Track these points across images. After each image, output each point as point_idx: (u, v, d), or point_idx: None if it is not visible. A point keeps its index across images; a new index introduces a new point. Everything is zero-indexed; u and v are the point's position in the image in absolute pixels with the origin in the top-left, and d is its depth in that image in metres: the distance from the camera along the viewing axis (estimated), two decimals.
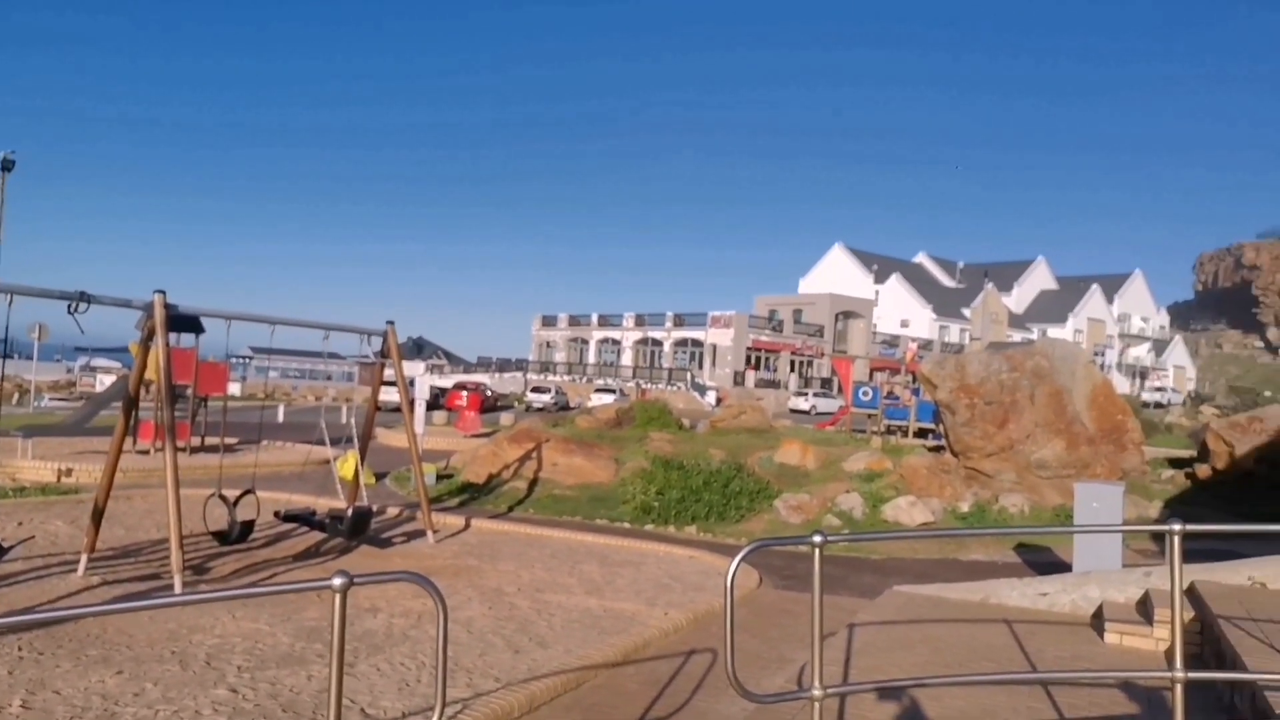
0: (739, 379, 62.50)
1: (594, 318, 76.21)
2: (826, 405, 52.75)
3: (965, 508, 15.88)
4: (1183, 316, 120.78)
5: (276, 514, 12.07)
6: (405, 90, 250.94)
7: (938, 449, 21.24)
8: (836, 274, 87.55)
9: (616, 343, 73.91)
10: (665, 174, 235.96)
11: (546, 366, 71.46)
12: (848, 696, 5.70)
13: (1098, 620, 8.03)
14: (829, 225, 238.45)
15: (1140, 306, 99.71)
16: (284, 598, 8.72)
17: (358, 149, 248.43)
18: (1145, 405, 62.07)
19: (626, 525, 15.39)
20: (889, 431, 30.84)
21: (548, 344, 79.28)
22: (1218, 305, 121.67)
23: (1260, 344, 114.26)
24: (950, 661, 6.81)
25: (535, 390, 53.78)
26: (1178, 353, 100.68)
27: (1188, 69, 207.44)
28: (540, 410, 45.20)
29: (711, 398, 53.51)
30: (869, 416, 33.01)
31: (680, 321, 69.48)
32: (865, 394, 34.67)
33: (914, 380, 35.65)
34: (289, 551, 11.41)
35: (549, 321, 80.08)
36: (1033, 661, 6.87)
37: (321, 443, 12.89)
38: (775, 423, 30.45)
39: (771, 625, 9.15)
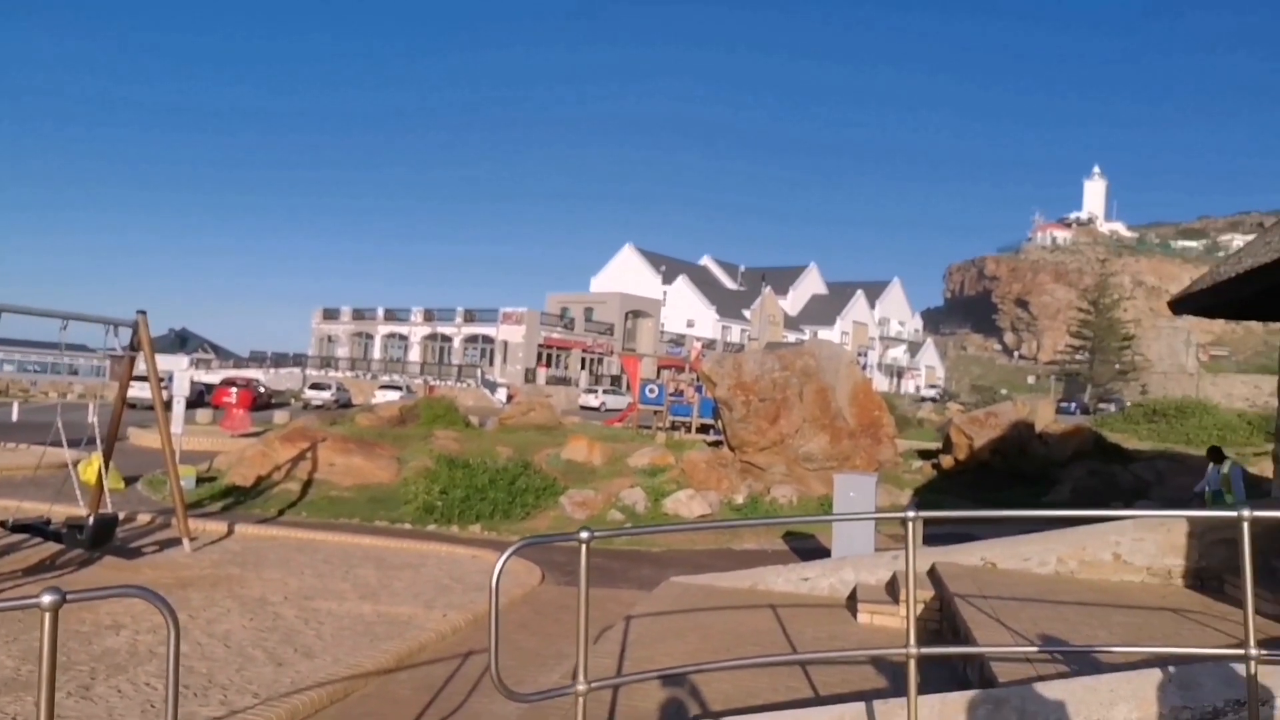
0: (530, 376, 62.37)
1: (380, 312, 73.47)
2: (616, 402, 53.68)
3: (740, 499, 16.64)
4: (934, 321, 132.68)
5: (3, 524, 10.75)
6: (146, 64, 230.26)
7: (717, 444, 22.12)
8: (627, 274, 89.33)
9: (404, 338, 71.66)
10: (456, 169, 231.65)
11: (328, 362, 68.07)
12: (621, 688, 5.79)
13: (852, 601, 8.61)
14: (620, 226, 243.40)
15: (898, 311, 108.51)
16: (10, 616, 7.79)
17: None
18: (922, 400, 68.07)
19: (408, 526, 14.94)
20: (674, 427, 31.80)
21: (329, 338, 75.58)
22: (964, 311, 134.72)
23: (999, 347, 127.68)
24: (719, 647, 7.08)
25: (314, 387, 51.07)
26: (929, 354, 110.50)
27: (939, 95, 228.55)
28: (320, 408, 42.96)
29: (502, 395, 53.03)
30: (655, 413, 33.90)
31: (471, 317, 68.38)
32: (652, 391, 35.56)
33: (698, 378, 36.99)
34: (19, 565, 10.21)
35: (331, 315, 76.38)
36: (793, 643, 7.26)
37: (57, 443, 11.58)
38: (565, 419, 30.62)
39: (553, 622, 9.17)
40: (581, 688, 3.61)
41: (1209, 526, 8.30)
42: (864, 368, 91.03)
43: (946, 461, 21.51)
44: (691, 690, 5.86)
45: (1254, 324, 68.36)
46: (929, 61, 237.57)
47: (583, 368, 68.56)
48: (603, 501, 15.92)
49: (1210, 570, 8.30)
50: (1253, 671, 3.90)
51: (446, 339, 69.39)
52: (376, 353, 71.78)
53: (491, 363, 65.09)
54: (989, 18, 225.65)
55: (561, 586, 10.86)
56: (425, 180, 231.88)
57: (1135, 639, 6.28)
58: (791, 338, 77.97)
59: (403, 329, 71.79)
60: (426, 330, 70.31)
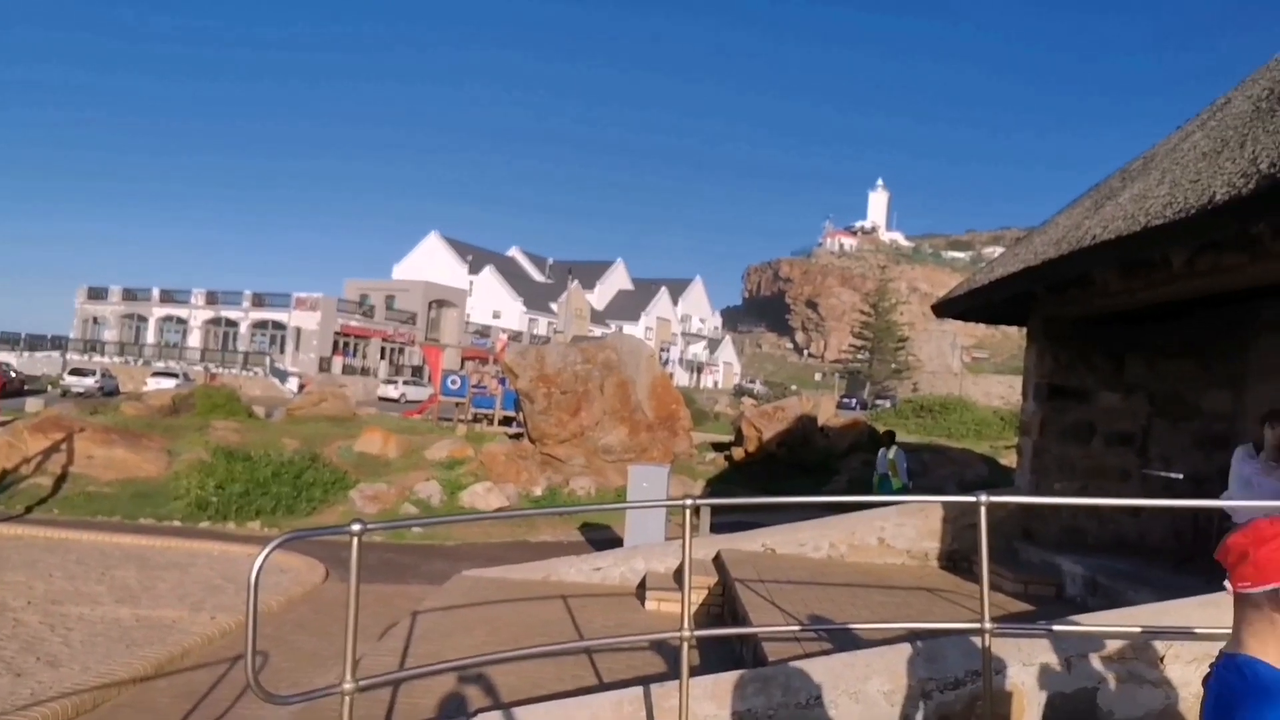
0: (325, 365, 59.55)
1: (155, 293, 67.70)
2: (417, 393, 52.19)
3: (539, 491, 16.62)
4: (733, 319, 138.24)
5: None
6: None
7: (518, 436, 22.00)
8: (431, 262, 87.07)
9: (182, 322, 66.40)
10: (254, 157, 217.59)
11: (93, 346, 62.05)
12: (402, 685, 5.62)
13: (642, 589, 8.79)
14: (425, 214, 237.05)
15: (699, 309, 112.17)
16: None
17: None
18: (742, 392, 70.57)
19: (177, 524, 13.88)
20: (476, 420, 31.34)
21: (95, 320, 68.88)
22: (760, 311, 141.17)
23: (790, 345, 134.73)
24: (507, 639, 7.02)
25: (75, 373, 46.31)
26: (727, 351, 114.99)
27: (744, 106, 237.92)
28: (82, 395, 39.06)
29: (294, 384, 50.29)
30: (457, 405, 33.27)
31: (260, 302, 64.33)
32: (454, 382, 34.84)
33: (501, 370, 36.64)
34: None
35: (97, 294, 69.59)
36: (582, 632, 7.32)
37: None
38: (360, 410, 29.47)
39: (335, 621, 8.77)
40: (348, 687, 3.46)
41: (960, 511, 9.10)
42: (666, 363, 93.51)
43: (738, 453, 22.43)
44: (476, 683, 5.77)
45: (1010, 329, 75.84)
46: (734, 74, 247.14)
47: (382, 357, 66.25)
48: (396, 495, 15.45)
49: (961, 552, 9.11)
50: (987, 644, 4.30)
51: (232, 324, 64.95)
52: (150, 337, 66.12)
53: (283, 350, 61.60)
54: (785, 34, 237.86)
55: (347, 583, 10.43)
56: (213, 163, 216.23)
57: (893, 617, 6.77)
58: (597, 331, 78.80)
59: (181, 312, 66.50)
60: (209, 314, 65.51)
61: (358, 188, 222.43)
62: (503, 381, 34.30)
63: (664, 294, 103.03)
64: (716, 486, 19.07)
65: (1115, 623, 4.81)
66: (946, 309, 9.66)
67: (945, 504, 9.42)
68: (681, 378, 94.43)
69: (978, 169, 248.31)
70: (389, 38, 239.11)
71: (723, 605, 8.26)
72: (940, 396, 43.25)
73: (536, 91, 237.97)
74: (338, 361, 61.19)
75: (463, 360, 64.23)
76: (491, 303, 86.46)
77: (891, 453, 12.83)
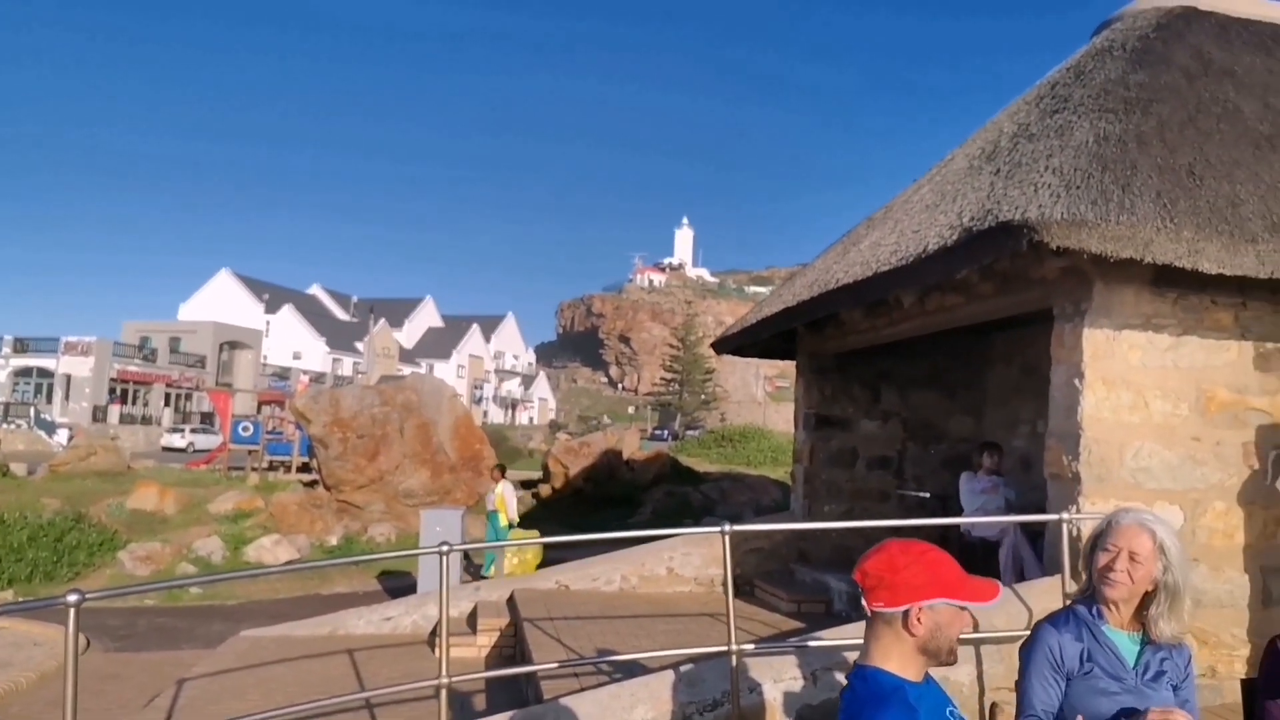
0: (100, 414, 54.69)
1: None
2: (206, 442, 48.81)
3: (334, 540, 16.00)
4: (547, 355, 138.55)
5: None
6: None
7: (314, 484, 21.07)
8: (223, 301, 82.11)
9: None
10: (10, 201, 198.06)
11: None
12: None
13: (433, 637, 8.65)
14: (215, 251, 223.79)
15: (513, 345, 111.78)
16: None
17: None
18: (557, 428, 70.17)
19: None
20: (272, 468, 29.73)
21: None
22: (574, 346, 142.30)
23: (605, 379, 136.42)
24: (282, 700, 6.71)
25: None
26: (542, 387, 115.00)
27: (554, 145, 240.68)
28: None
29: (63, 436, 45.80)
30: (250, 453, 31.41)
31: (23, 347, 58.36)
32: (245, 429, 32.86)
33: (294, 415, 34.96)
34: None
35: None
36: (365, 685, 7.13)
37: None
38: (137, 463, 27.25)
39: (92, 694, 8.09)
40: None
41: (742, 539, 9.57)
42: (480, 400, 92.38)
43: (545, 490, 22.49)
44: None
45: None
46: (535, 117, 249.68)
47: (167, 404, 61.60)
48: (172, 554, 14.42)
49: (744, 577, 9.55)
50: (734, 665, 4.59)
51: None
52: None
53: (50, 400, 56.10)
54: (578, 77, 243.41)
55: (112, 654, 9.66)
56: None
57: (674, 645, 7.03)
58: (407, 370, 76.75)
59: None
60: None
61: (138, 225, 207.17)
62: (300, 427, 32.79)
63: (476, 331, 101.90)
64: (524, 525, 19.00)
65: (854, 635, 5.24)
66: (723, 346, 10.20)
67: (725, 539, 9.85)
68: (496, 415, 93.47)
69: (777, 207, 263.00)
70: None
71: (514, 646, 8.27)
72: (740, 426, 45.09)
73: (316, 121, 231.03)
74: (115, 410, 56.36)
75: (259, 405, 60.74)
76: (292, 343, 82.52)
77: (499, 488, 12.83)
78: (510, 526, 12.81)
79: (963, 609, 2.01)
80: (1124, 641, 2.56)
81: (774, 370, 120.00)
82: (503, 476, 12.95)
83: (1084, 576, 2.70)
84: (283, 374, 71.63)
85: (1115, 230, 4.76)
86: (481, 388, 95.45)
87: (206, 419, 58.71)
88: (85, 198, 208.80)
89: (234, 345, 68.84)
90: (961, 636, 2.04)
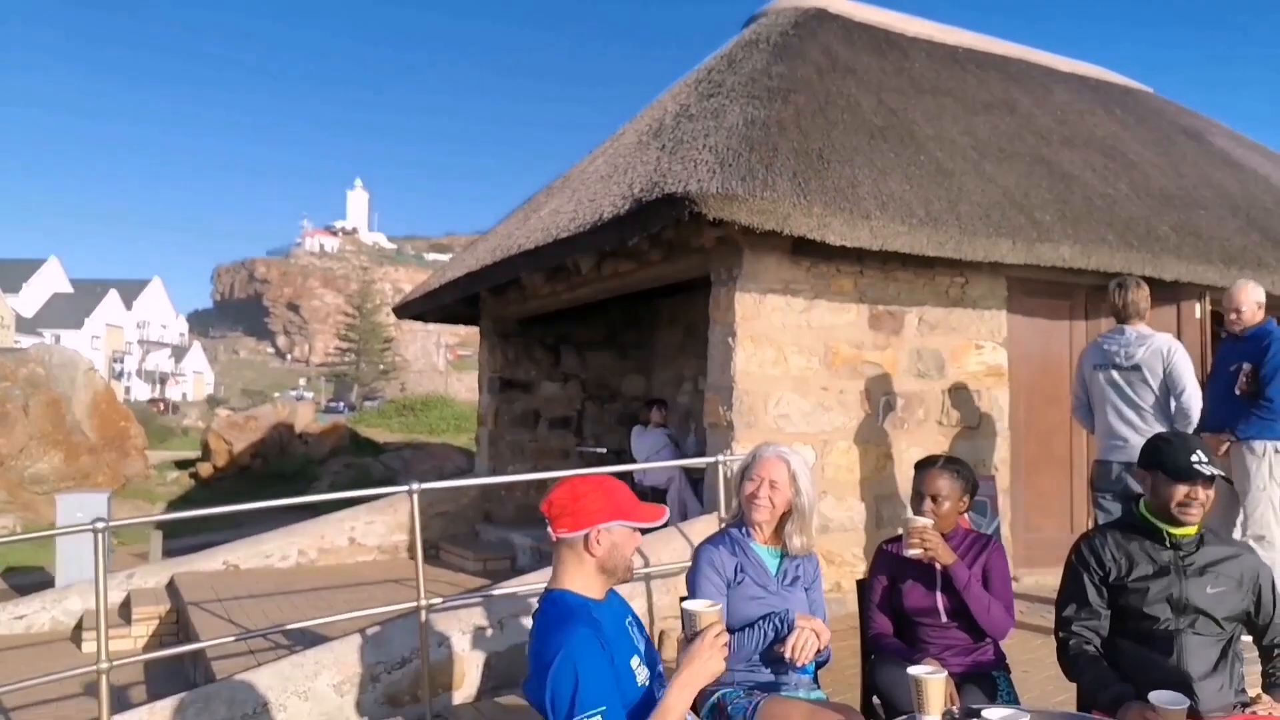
0: None
1: None
2: None
3: None
4: (203, 323, 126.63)
5: None
6: None
7: None
8: None
9: None
10: None
11: None
12: None
13: (79, 631, 7.80)
14: None
15: (160, 314, 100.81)
16: None
17: None
18: (216, 403, 63.51)
19: None
20: None
21: None
22: (235, 314, 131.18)
23: (271, 350, 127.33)
24: None
25: None
26: (198, 358, 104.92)
27: (205, 92, 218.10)
28: None
29: None
30: None
31: None
32: None
33: None
34: None
35: None
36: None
37: None
38: None
39: None
40: None
41: (428, 503, 9.57)
42: (121, 374, 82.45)
43: (205, 469, 20.75)
44: None
45: None
46: (199, 56, 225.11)
47: None
48: None
49: (430, 541, 9.56)
50: (424, 620, 4.67)
51: None
52: None
53: None
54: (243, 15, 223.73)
55: None
56: None
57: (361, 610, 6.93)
58: (27, 342, 66.45)
59: None
60: None
61: None
62: None
63: (114, 297, 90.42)
64: (180, 507, 17.44)
65: (537, 581, 5.53)
66: (405, 311, 10.07)
67: (413, 498, 9.80)
68: (142, 391, 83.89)
69: (458, 174, 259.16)
70: None
71: (178, 633, 7.68)
72: (422, 395, 44.41)
73: None
74: None
75: None
76: None
77: None
78: None
79: (636, 530, 2.28)
80: (767, 555, 3.02)
81: (455, 339, 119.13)
82: None
83: (734, 503, 3.14)
84: None
85: (760, 205, 5.38)
86: (123, 360, 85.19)
87: None
88: None
89: None
90: (634, 570, 2.32)
